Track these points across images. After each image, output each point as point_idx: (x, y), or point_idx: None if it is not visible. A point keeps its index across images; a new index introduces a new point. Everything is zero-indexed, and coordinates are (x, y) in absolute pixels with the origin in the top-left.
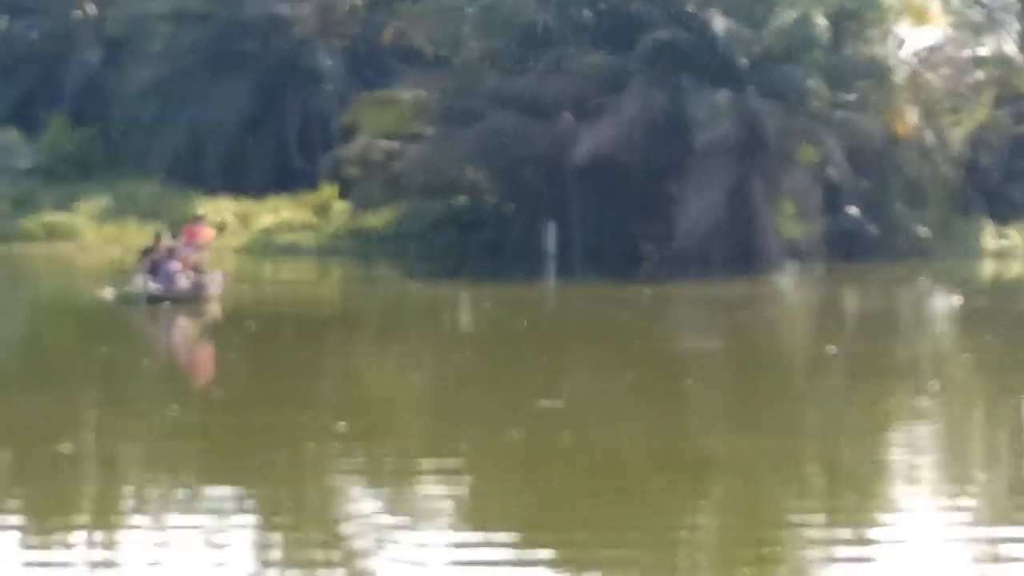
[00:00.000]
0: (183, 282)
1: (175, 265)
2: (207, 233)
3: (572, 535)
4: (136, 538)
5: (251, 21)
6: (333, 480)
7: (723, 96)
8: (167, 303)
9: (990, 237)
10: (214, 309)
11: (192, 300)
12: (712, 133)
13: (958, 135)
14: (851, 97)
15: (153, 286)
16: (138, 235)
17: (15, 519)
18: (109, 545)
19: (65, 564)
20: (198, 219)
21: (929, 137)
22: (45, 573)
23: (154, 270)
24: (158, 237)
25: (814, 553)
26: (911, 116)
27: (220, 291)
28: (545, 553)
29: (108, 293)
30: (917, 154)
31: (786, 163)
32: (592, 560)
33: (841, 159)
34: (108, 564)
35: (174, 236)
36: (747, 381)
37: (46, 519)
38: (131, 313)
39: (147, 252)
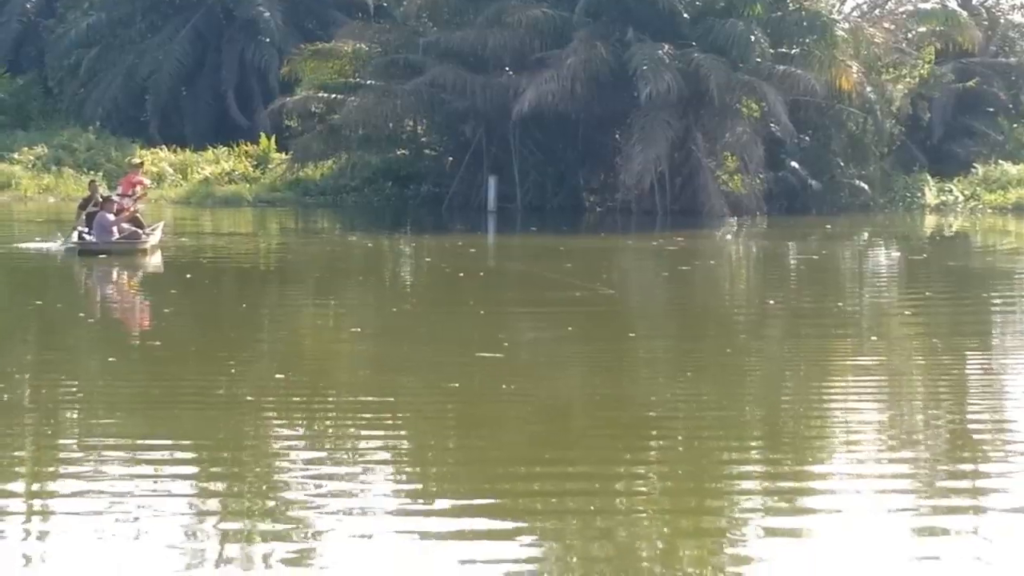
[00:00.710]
0: (116, 233)
1: (109, 217)
2: (143, 182)
3: (512, 485)
4: (73, 496)
5: None
6: (271, 432)
7: (666, 50)
8: (102, 255)
9: (931, 192)
10: (153, 260)
11: (127, 252)
12: (655, 87)
13: (900, 91)
14: (793, 52)
15: (87, 238)
16: (75, 185)
17: None
18: (44, 504)
19: None
20: (135, 167)
21: (871, 93)
22: None
23: (89, 221)
24: (93, 186)
25: (755, 503)
26: (853, 72)
27: (162, 242)
28: (486, 504)
29: (51, 244)
30: (859, 109)
31: (728, 117)
32: (531, 511)
33: (783, 114)
34: (43, 513)
35: (111, 187)
36: (688, 333)
37: None
38: (67, 265)
39: (84, 204)
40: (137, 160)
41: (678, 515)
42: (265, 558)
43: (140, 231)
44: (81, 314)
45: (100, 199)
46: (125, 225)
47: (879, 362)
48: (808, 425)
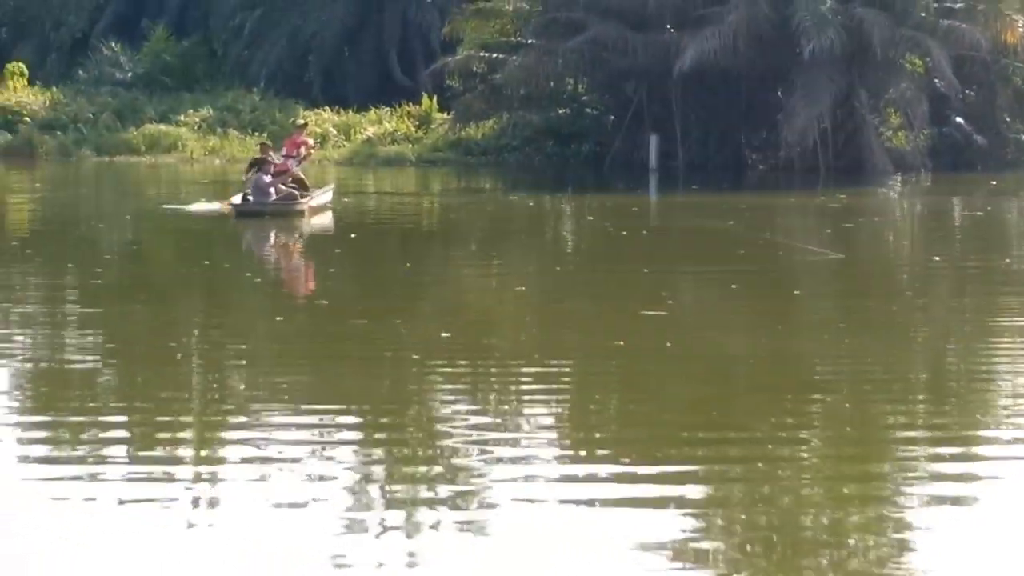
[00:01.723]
0: (274, 194)
1: (265, 178)
2: (308, 143)
3: (676, 449)
4: (239, 460)
5: None
6: (437, 393)
7: (829, 5)
8: (259, 217)
9: None
10: (322, 221)
11: (283, 213)
12: (818, 42)
13: None
14: (958, 6)
15: (249, 199)
16: (240, 147)
17: (118, 432)
18: (211, 468)
19: (167, 476)
20: (299, 128)
21: None
22: (146, 488)
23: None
24: (264, 148)
25: (920, 469)
26: (1019, 25)
27: (331, 203)
28: (648, 468)
29: (211, 205)
30: None
31: (892, 73)
32: (695, 476)
33: (947, 69)
34: (211, 480)
35: (276, 148)
36: (854, 291)
37: (148, 431)
38: (233, 227)
39: (254, 164)
40: (301, 121)
41: (842, 481)
42: (431, 524)
43: (297, 192)
44: (248, 274)
45: (271, 161)
46: (283, 187)
47: None
48: (974, 387)
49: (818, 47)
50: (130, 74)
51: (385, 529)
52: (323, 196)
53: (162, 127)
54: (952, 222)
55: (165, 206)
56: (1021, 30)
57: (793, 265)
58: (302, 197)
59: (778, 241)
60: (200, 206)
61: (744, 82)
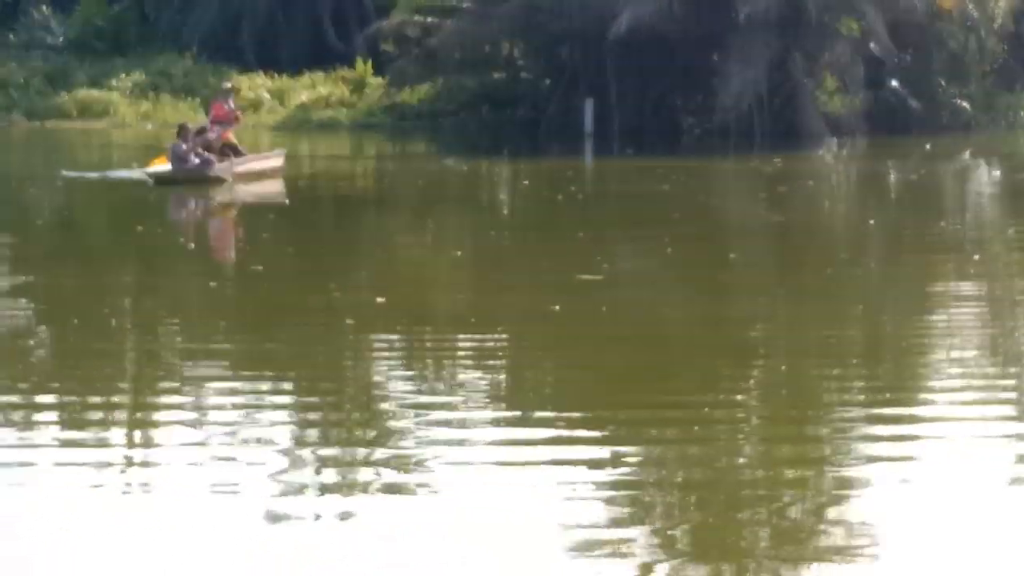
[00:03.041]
0: (192, 162)
1: (182, 146)
2: (237, 116)
3: (612, 411)
4: (173, 422)
5: None
6: (372, 356)
7: None
8: (176, 184)
9: None
10: (265, 187)
11: (198, 180)
12: (754, 6)
13: (1002, 8)
14: None
15: (165, 167)
16: (172, 111)
17: (50, 398)
18: (145, 430)
19: (101, 441)
20: (225, 92)
21: (973, 10)
22: (79, 453)
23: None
24: (183, 129)
25: (856, 430)
26: None
27: (281, 169)
28: (584, 431)
29: (133, 173)
30: (960, 27)
31: (828, 37)
32: (631, 436)
33: (883, 33)
34: (145, 445)
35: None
36: (787, 255)
37: (82, 403)
38: (160, 193)
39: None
40: (228, 84)
41: (778, 442)
42: (365, 485)
43: (214, 159)
44: (181, 239)
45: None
46: (204, 154)
47: (982, 283)
48: (908, 350)
49: (753, 11)
50: (61, 38)
51: (321, 490)
52: (265, 161)
53: (94, 92)
54: (887, 186)
55: (67, 173)
56: None
57: (728, 229)
58: (231, 161)
59: (709, 207)
60: (117, 172)
61: (680, 46)
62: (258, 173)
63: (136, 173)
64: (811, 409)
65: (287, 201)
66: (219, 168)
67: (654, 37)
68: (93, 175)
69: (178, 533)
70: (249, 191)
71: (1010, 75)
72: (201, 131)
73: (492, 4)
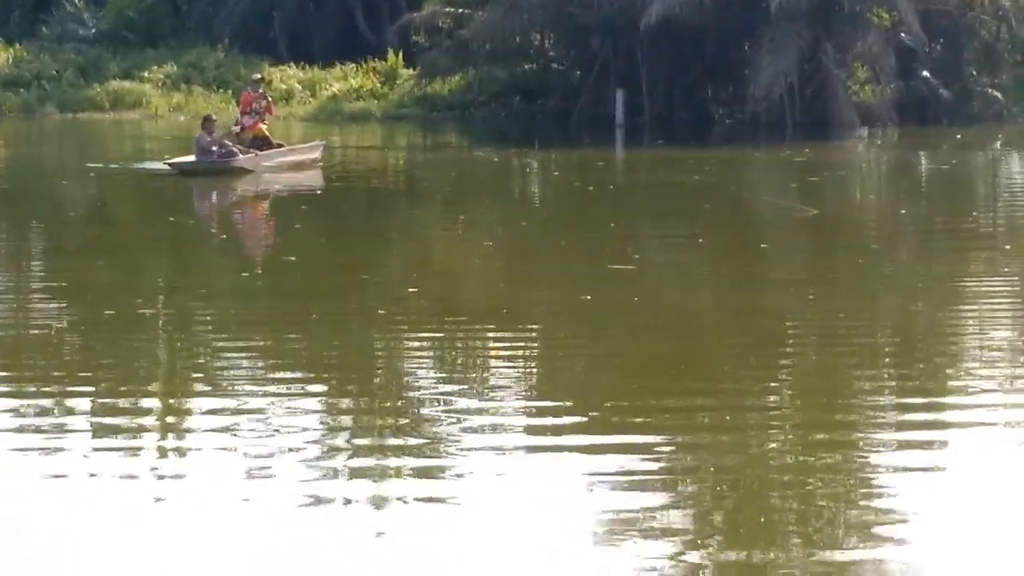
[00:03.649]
0: (216, 153)
1: (206, 137)
2: (271, 109)
3: (644, 400)
4: (206, 412)
5: None
6: (404, 347)
7: None
8: (197, 174)
9: None
10: (299, 178)
11: (221, 171)
12: None
13: None
14: None
15: (188, 159)
16: (205, 103)
17: (82, 388)
18: (178, 420)
19: (133, 443)
20: (255, 83)
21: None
22: (111, 456)
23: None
24: (207, 121)
25: (886, 419)
26: None
27: (316, 161)
28: (615, 420)
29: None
30: (992, 17)
31: (859, 27)
32: (662, 426)
33: (915, 23)
34: (177, 442)
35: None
36: (820, 246)
37: (114, 394)
38: (185, 185)
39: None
40: (257, 76)
41: (809, 429)
42: (397, 472)
43: (237, 150)
44: (212, 230)
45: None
46: (227, 144)
47: (1013, 274)
48: (940, 340)
49: (784, 1)
50: (94, 31)
51: (352, 476)
52: (299, 153)
53: (126, 84)
54: (918, 176)
55: (90, 165)
56: None
57: (760, 220)
58: (257, 153)
59: (756, 199)
60: (144, 164)
61: (710, 37)
62: (294, 164)
63: (158, 164)
64: (842, 398)
65: (319, 192)
66: (242, 160)
67: (685, 28)
68: (115, 166)
69: (215, 528)
70: (284, 181)
71: None
72: (207, 120)
73: None
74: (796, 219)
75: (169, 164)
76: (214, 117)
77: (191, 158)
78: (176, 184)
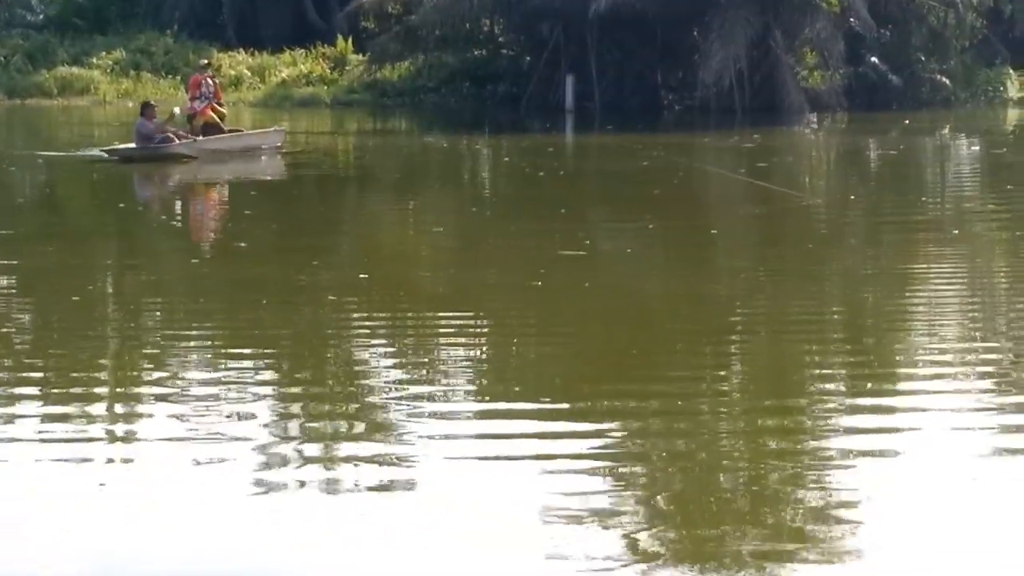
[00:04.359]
0: (152, 141)
1: (148, 124)
2: (199, 82)
3: (594, 388)
4: (156, 397)
5: None
6: (354, 333)
7: None
8: (133, 161)
9: (1014, 85)
10: (256, 165)
11: (156, 158)
12: None
13: None
14: None
15: (128, 146)
16: (154, 89)
17: (31, 375)
18: (127, 406)
19: (83, 433)
20: (201, 68)
21: None
22: (59, 444)
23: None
24: (146, 107)
25: (836, 404)
26: None
27: (279, 147)
28: (566, 406)
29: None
30: (940, 3)
31: (808, 13)
32: (613, 412)
33: (863, 9)
34: (125, 429)
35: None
36: (769, 230)
37: (62, 382)
38: (126, 171)
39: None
40: (204, 61)
41: (761, 415)
42: (348, 459)
43: (173, 135)
44: (162, 217)
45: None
46: (171, 132)
47: (962, 259)
48: (889, 325)
49: None
50: (42, 16)
51: (302, 462)
52: (249, 139)
53: (74, 70)
54: (867, 161)
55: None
56: None
57: (709, 206)
58: (196, 139)
59: (691, 182)
60: (83, 151)
61: (660, 23)
62: (246, 149)
63: (95, 151)
64: (793, 383)
65: (268, 178)
66: (180, 146)
67: (635, 14)
68: (53, 154)
69: (162, 514)
70: (238, 168)
71: (989, 51)
72: (147, 106)
73: None
74: (744, 206)
75: (106, 151)
76: (153, 103)
77: (131, 145)
78: (118, 171)
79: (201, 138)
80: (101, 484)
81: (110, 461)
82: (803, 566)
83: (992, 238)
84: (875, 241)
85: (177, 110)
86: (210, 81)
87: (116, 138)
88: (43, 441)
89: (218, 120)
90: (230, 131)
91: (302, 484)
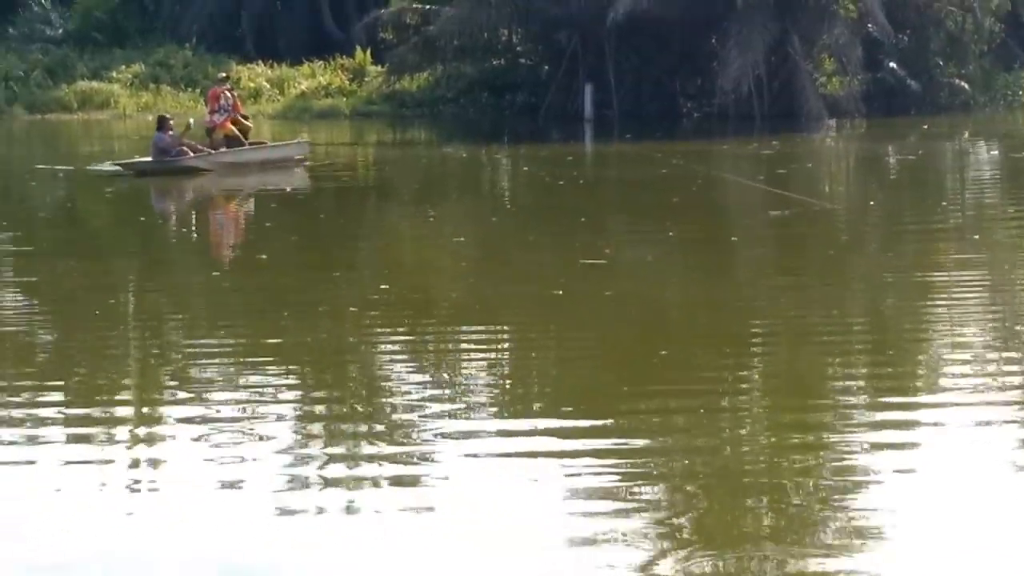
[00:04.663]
0: (170, 154)
1: (165, 137)
2: (237, 105)
3: (615, 398)
4: (178, 411)
5: None
6: (376, 345)
7: None
8: (152, 175)
9: None
10: (277, 177)
11: (171, 171)
12: None
13: None
14: None
15: (144, 159)
16: (173, 102)
17: (54, 395)
18: (151, 420)
19: (104, 448)
20: (220, 81)
21: None
22: (85, 449)
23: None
24: (162, 120)
25: (858, 415)
26: None
27: (298, 160)
28: (588, 417)
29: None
30: (958, 7)
31: (826, 19)
32: (635, 423)
33: (880, 14)
34: (149, 442)
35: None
36: (789, 237)
37: (85, 399)
38: (160, 184)
39: (160, 125)
40: (222, 74)
41: (783, 427)
42: (370, 477)
43: (187, 148)
44: (183, 229)
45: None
46: (187, 145)
47: (983, 266)
48: (911, 334)
49: None
50: (61, 31)
51: (327, 486)
52: (270, 151)
53: (94, 84)
54: (886, 167)
55: (40, 167)
56: None
57: (729, 213)
58: (212, 152)
59: (711, 190)
60: (97, 166)
61: (678, 30)
62: (268, 162)
63: (108, 166)
64: (815, 394)
65: (288, 190)
66: (194, 159)
67: (652, 22)
68: (70, 168)
69: (184, 529)
70: (261, 180)
71: (1008, 55)
72: (163, 120)
73: None
74: (765, 213)
75: (122, 165)
76: (170, 116)
77: (146, 159)
78: (135, 185)
79: (220, 151)
80: (128, 514)
81: (135, 483)
82: None
83: (1013, 243)
84: (895, 248)
85: (192, 121)
86: (228, 94)
87: (136, 151)
88: (64, 461)
89: (238, 133)
90: (252, 143)
91: (321, 511)
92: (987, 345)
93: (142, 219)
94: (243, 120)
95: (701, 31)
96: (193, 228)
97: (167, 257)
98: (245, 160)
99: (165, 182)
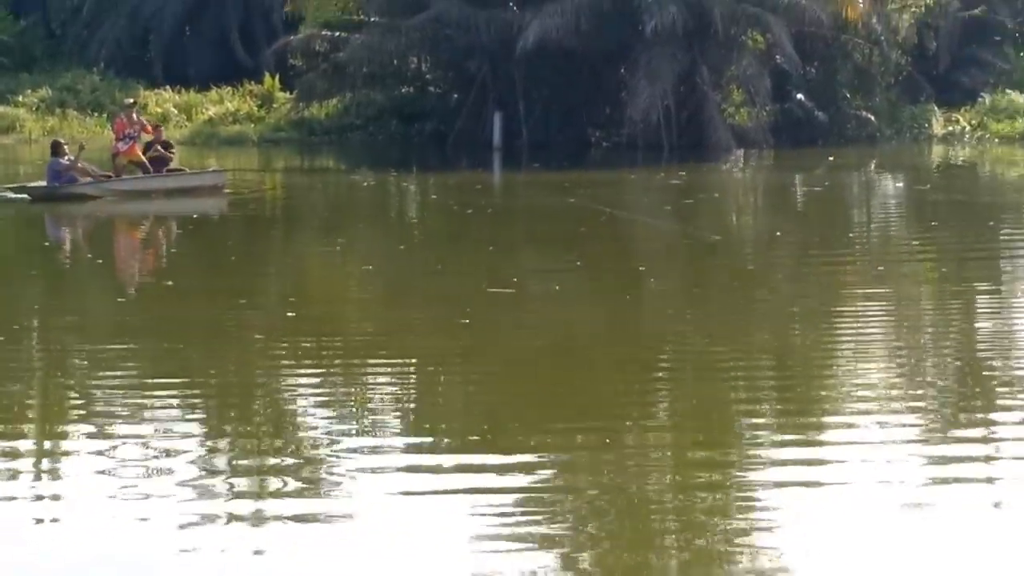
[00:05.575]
0: (64, 179)
1: (62, 161)
2: (146, 128)
3: (521, 426)
4: (80, 442)
5: None
6: (282, 372)
7: None
8: (47, 201)
9: (938, 122)
10: (189, 204)
11: (64, 197)
12: (660, 19)
13: (906, 20)
14: None
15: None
16: (80, 127)
17: None
18: (53, 444)
19: (4, 479)
20: (127, 108)
21: (877, 23)
22: None
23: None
24: (57, 145)
25: (764, 444)
26: (859, 2)
27: (219, 186)
28: (493, 446)
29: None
30: (865, 40)
31: (734, 50)
32: (542, 447)
33: (789, 46)
34: (51, 475)
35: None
36: (696, 267)
37: None
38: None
39: (54, 151)
40: (130, 100)
41: (686, 449)
42: (275, 511)
43: (77, 175)
44: (89, 255)
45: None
46: (73, 166)
47: (887, 295)
48: (815, 360)
49: (660, 24)
50: None
51: (230, 496)
52: (192, 179)
53: (0, 108)
54: (793, 197)
55: None
56: (861, 6)
57: (636, 242)
58: (101, 178)
59: (618, 219)
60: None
61: (587, 60)
62: (175, 191)
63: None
64: (719, 418)
65: (195, 216)
66: (83, 186)
67: (561, 51)
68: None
69: (85, 567)
70: (169, 207)
71: (914, 88)
72: (58, 146)
73: (400, 18)
74: (671, 242)
75: (11, 189)
76: (64, 141)
77: (38, 184)
78: (29, 211)
79: (122, 177)
80: (31, 545)
81: (39, 497)
82: None
83: (917, 276)
84: (800, 278)
85: (84, 144)
86: (136, 118)
87: (40, 177)
88: None
89: (144, 160)
90: (171, 171)
91: (224, 550)
92: (891, 379)
93: (45, 244)
94: (163, 148)
95: (611, 61)
96: (94, 255)
97: (69, 284)
98: (147, 188)
99: (58, 208)
